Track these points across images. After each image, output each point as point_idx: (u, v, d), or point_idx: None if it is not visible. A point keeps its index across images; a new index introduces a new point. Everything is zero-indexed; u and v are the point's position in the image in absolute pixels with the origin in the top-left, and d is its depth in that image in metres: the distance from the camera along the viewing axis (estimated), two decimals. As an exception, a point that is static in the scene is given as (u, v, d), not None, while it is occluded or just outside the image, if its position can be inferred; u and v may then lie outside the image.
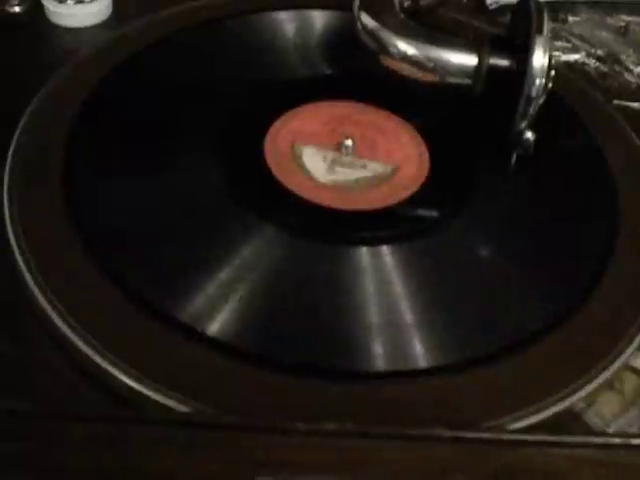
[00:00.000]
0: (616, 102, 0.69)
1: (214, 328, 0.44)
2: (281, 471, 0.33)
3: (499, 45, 0.52)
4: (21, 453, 0.32)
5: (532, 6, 0.51)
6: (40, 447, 0.32)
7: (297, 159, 0.53)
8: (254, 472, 0.32)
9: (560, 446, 0.35)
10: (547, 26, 0.50)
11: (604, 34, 0.76)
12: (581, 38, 0.75)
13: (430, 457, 0.34)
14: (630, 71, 0.72)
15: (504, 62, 0.51)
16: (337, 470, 0.33)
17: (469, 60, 0.52)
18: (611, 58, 0.73)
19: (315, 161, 0.54)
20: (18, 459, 0.32)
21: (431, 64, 0.53)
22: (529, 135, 0.52)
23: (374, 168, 0.54)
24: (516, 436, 0.35)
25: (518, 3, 0.54)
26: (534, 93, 0.50)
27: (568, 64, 0.72)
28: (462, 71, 0.52)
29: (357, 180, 0.53)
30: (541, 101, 0.52)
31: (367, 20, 0.54)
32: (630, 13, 0.77)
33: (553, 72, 0.52)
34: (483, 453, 0.34)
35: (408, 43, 0.53)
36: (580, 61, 0.72)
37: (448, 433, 0.34)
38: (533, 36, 0.50)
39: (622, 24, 0.76)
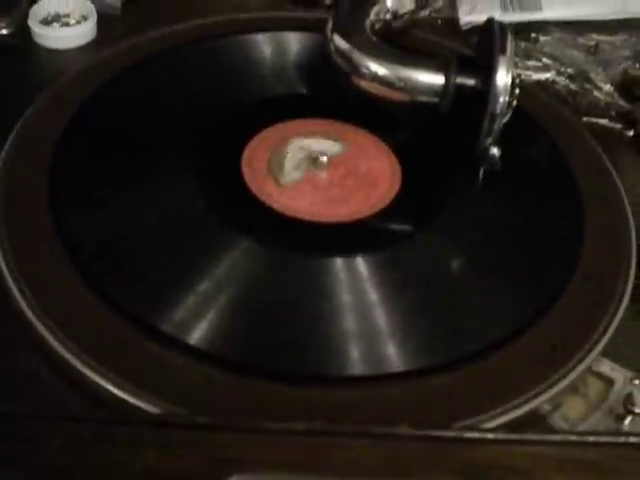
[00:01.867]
0: (585, 119, 0.71)
1: (190, 335, 0.46)
2: (253, 469, 0.34)
3: (465, 65, 0.54)
4: (6, 453, 0.34)
5: (496, 27, 0.54)
6: (25, 447, 0.34)
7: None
8: (228, 470, 0.34)
9: (522, 444, 0.37)
10: (510, 46, 0.53)
11: (575, 53, 0.78)
12: (552, 57, 0.77)
13: (395, 455, 0.36)
14: (599, 89, 0.74)
15: (470, 81, 0.54)
16: (306, 467, 0.35)
17: (437, 79, 0.54)
18: (581, 76, 0.75)
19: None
20: (3, 459, 0.33)
21: (401, 83, 0.55)
22: (494, 151, 0.54)
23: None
24: (479, 434, 0.37)
25: (484, 24, 0.56)
26: (498, 110, 0.52)
27: (539, 82, 0.74)
28: (430, 90, 0.55)
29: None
30: (505, 118, 0.55)
31: (339, 42, 0.57)
32: (600, 32, 0.79)
33: (517, 90, 0.55)
34: (447, 451, 0.36)
35: (378, 64, 0.55)
36: (551, 79, 0.75)
37: (412, 432, 0.36)
38: (496, 56, 0.52)
39: (592, 43, 0.79)
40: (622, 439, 0.38)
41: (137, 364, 0.44)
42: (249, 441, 0.35)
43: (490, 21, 0.55)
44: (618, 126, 0.71)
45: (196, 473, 0.34)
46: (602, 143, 0.66)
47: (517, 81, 0.55)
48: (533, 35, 0.78)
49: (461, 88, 0.54)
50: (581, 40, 0.79)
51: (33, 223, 0.51)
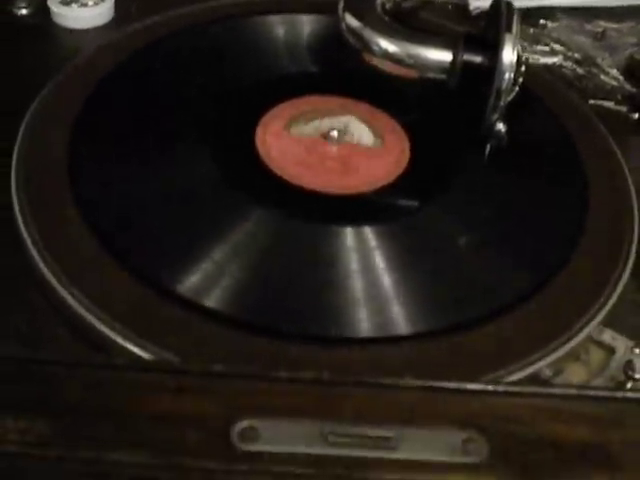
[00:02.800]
0: (592, 102, 0.73)
1: (206, 297, 0.48)
2: (264, 414, 0.36)
3: (473, 42, 0.56)
4: (30, 396, 0.36)
5: (503, 7, 0.55)
6: (45, 390, 0.36)
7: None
8: (240, 414, 0.36)
9: (523, 396, 0.39)
10: (516, 25, 0.54)
11: (582, 39, 0.80)
12: (559, 42, 0.79)
13: (397, 403, 0.38)
14: (606, 73, 0.76)
15: (477, 58, 0.55)
16: (312, 414, 0.37)
17: (445, 56, 0.56)
18: (588, 61, 0.77)
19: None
20: (28, 401, 0.35)
21: (410, 60, 0.57)
22: (501, 126, 0.56)
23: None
24: (481, 386, 0.39)
25: (491, 5, 0.58)
26: (503, 86, 0.54)
27: (547, 66, 0.76)
28: (438, 67, 0.56)
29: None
30: (512, 95, 0.56)
31: (351, 20, 0.58)
32: (608, 19, 0.81)
33: (523, 68, 0.56)
34: (448, 401, 0.38)
35: (389, 41, 0.57)
36: (558, 64, 0.76)
37: (415, 382, 0.38)
38: (503, 34, 0.53)
39: (599, 29, 0.80)
40: (620, 394, 0.40)
41: (154, 324, 0.46)
42: (260, 389, 0.37)
43: (497, 1, 0.56)
44: (624, 109, 0.72)
45: (210, 417, 0.36)
46: (608, 125, 0.67)
47: (523, 59, 0.56)
48: (541, 21, 0.80)
49: (468, 65, 0.55)
50: (588, 27, 0.81)
51: (53, 195, 0.52)
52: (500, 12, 0.55)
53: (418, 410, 0.38)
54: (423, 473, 0.36)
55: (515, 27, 0.54)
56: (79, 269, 0.48)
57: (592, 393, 0.39)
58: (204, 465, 0.35)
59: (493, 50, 0.54)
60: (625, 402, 0.40)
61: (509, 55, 0.53)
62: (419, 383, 0.38)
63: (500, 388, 0.39)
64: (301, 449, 0.36)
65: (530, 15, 0.80)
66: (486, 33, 0.58)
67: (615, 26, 0.81)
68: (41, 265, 0.48)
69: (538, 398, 0.39)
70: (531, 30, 0.79)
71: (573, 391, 0.40)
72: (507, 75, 0.53)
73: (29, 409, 0.35)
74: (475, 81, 0.56)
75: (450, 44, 0.56)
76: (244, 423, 0.36)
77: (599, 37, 0.79)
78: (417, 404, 0.38)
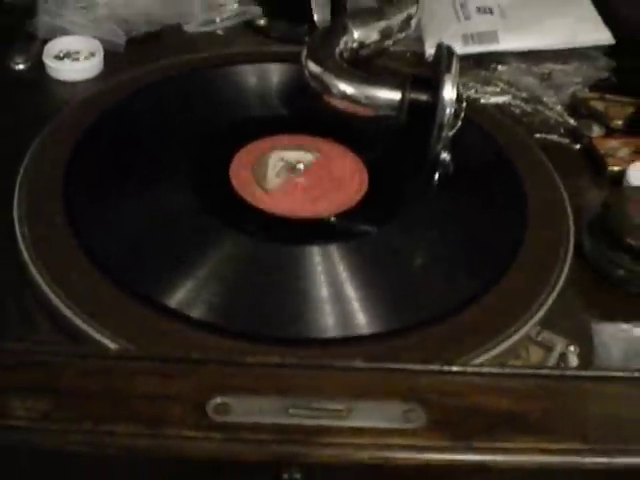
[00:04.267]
0: (537, 135, 0.80)
1: (189, 307, 0.55)
2: (235, 392, 0.43)
3: (419, 83, 0.64)
4: (36, 380, 0.43)
5: (444, 51, 0.63)
6: (44, 375, 0.43)
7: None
8: (212, 394, 0.43)
9: (455, 374, 0.46)
10: (455, 66, 0.62)
11: (530, 80, 0.88)
12: (509, 84, 0.87)
13: (348, 381, 0.45)
14: (550, 109, 0.84)
15: (422, 96, 0.63)
16: (276, 391, 0.44)
17: (394, 95, 0.64)
18: (534, 99, 0.85)
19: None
20: (33, 384, 0.42)
21: (365, 100, 0.65)
22: (445, 156, 0.64)
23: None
24: (421, 366, 0.45)
25: (435, 50, 0.66)
26: (445, 120, 0.61)
27: (497, 105, 0.83)
28: (389, 105, 0.64)
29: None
30: (456, 128, 0.64)
31: (312, 66, 0.66)
32: (554, 61, 0.89)
33: (464, 104, 0.64)
34: (392, 379, 0.45)
35: (346, 83, 0.65)
36: (507, 102, 0.84)
37: (365, 364, 0.45)
38: (443, 74, 0.61)
39: (546, 71, 0.88)
40: (540, 371, 0.47)
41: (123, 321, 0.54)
42: (231, 372, 0.44)
43: (439, 45, 0.64)
44: (566, 141, 0.80)
45: (187, 396, 0.43)
46: (552, 155, 0.75)
47: (463, 96, 0.64)
48: (492, 65, 0.88)
49: (414, 102, 0.63)
50: (535, 69, 0.89)
51: (49, 223, 0.60)
52: (442, 55, 0.63)
53: (366, 387, 0.45)
54: (369, 437, 0.43)
55: (454, 68, 0.62)
56: (64, 274, 0.56)
57: (516, 371, 0.46)
58: (185, 434, 0.42)
59: (436, 89, 0.62)
60: (544, 378, 0.47)
61: (449, 93, 0.61)
62: (367, 365, 0.45)
63: (436, 367, 0.46)
64: (266, 420, 0.43)
65: (483, 60, 0.88)
66: (432, 74, 0.66)
67: (561, 67, 0.89)
68: (32, 269, 0.56)
69: (469, 376, 0.46)
70: (482, 73, 0.87)
71: (499, 369, 0.46)
72: (448, 110, 0.61)
73: (34, 390, 0.42)
74: (422, 116, 0.63)
75: (399, 85, 0.64)
76: (218, 400, 0.43)
77: (546, 77, 0.87)
78: (365, 382, 0.45)
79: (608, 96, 0.82)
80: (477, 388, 0.45)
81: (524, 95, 0.85)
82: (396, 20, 0.73)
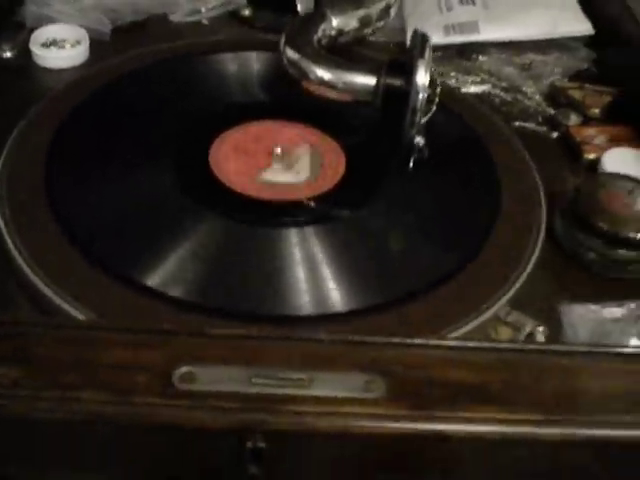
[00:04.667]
0: (516, 123, 0.82)
1: (167, 285, 0.57)
2: (200, 362, 0.45)
3: (393, 68, 0.65)
4: (7, 349, 0.44)
5: (418, 37, 0.64)
6: (23, 344, 0.44)
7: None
8: (180, 363, 0.45)
9: (416, 347, 0.47)
10: (429, 52, 0.63)
11: (510, 69, 0.89)
12: (489, 73, 0.88)
13: (310, 352, 0.46)
14: (529, 98, 0.85)
15: (396, 81, 0.64)
16: (242, 362, 0.45)
17: (370, 80, 0.65)
18: (514, 89, 0.86)
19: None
20: (5, 353, 0.44)
21: (342, 85, 0.66)
22: (419, 140, 0.65)
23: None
24: (384, 339, 0.47)
25: (411, 37, 0.67)
26: (418, 105, 0.63)
27: (477, 95, 0.85)
28: (365, 90, 0.65)
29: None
30: (430, 113, 0.65)
31: (290, 53, 0.68)
32: (535, 52, 0.90)
33: (438, 89, 0.66)
34: (354, 351, 0.47)
35: (323, 69, 0.66)
36: (487, 92, 0.86)
37: (328, 336, 0.46)
38: (416, 60, 0.63)
39: (527, 61, 0.89)
40: (499, 345, 0.48)
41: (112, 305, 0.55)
42: (196, 343, 0.46)
43: (415, 32, 0.66)
44: (544, 129, 0.81)
45: (154, 365, 0.44)
46: (530, 143, 0.76)
47: (437, 82, 0.65)
48: (473, 55, 0.89)
49: (389, 87, 0.64)
50: (516, 59, 0.90)
51: (30, 201, 0.61)
52: (416, 41, 0.64)
53: (329, 358, 0.46)
54: (330, 406, 0.44)
55: (427, 54, 0.63)
56: (44, 255, 0.58)
57: (477, 344, 0.48)
58: (151, 401, 0.43)
59: (409, 74, 0.63)
60: (505, 351, 0.48)
61: (422, 78, 0.62)
62: (330, 337, 0.46)
63: (398, 340, 0.47)
64: (230, 388, 0.44)
65: (465, 50, 0.90)
66: (408, 60, 0.67)
67: (541, 57, 0.90)
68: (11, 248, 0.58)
69: (431, 349, 0.47)
70: (464, 63, 0.88)
71: (461, 343, 0.48)
72: (421, 95, 0.62)
73: (6, 359, 0.44)
74: (397, 101, 0.65)
75: (374, 70, 0.65)
76: (183, 369, 0.45)
77: (526, 67, 0.89)
78: (328, 353, 0.46)
79: (586, 85, 0.83)
80: (439, 360, 0.47)
81: (504, 84, 0.86)
82: (375, 9, 0.74)
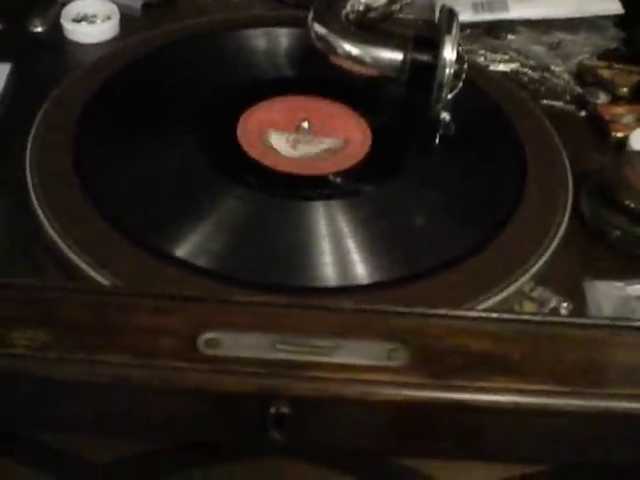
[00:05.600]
0: (544, 102, 0.82)
1: (188, 251, 0.58)
2: (225, 328, 0.46)
3: (420, 44, 0.65)
4: (36, 312, 0.45)
5: (445, 13, 0.65)
6: (49, 308, 0.45)
7: (265, 142, 0.67)
8: (203, 328, 0.45)
9: (437, 317, 0.48)
10: (456, 28, 0.63)
11: (538, 48, 0.89)
12: (518, 52, 0.88)
13: (334, 320, 0.47)
14: (557, 77, 0.85)
15: (423, 57, 0.65)
16: (264, 329, 0.46)
17: (397, 55, 0.65)
18: (542, 68, 0.86)
19: (280, 142, 0.67)
20: (33, 316, 0.45)
21: (369, 60, 0.66)
22: (445, 115, 0.65)
23: (328, 143, 0.67)
24: (404, 309, 0.47)
25: (439, 12, 0.67)
26: (445, 80, 0.63)
27: (505, 73, 0.85)
28: (392, 65, 0.66)
29: (315, 154, 0.66)
30: (457, 89, 0.66)
31: (318, 28, 0.68)
32: (564, 30, 0.90)
33: (465, 65, 0.66)
34: (377, 320, 0.47)
35: (351, 44, 0.67)
36: (515, 70, 0.86)
37: (352, 306, 0.47)
38: (443, 35, 0.63)
39: (555, 40, 0.89)
40: (520, 317, 0.49)
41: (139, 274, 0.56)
42: (221, 310, 0.46)
43: (442, 8, 0.66)
44: (572, 107, 0.81)
45: (179, 330, 0.45)
46: (558, 121, 0.76)
47: (465, 58, 0.66)
48: (502, 33, 0.89)
49: (415, 62, 0.64)
50: (545, 38, 0.90)
51: (60, 170, 0.62)
52: (443, 17, 0.64)
53: (352, 327, 0.47)
54: (353, 373, 0.45)
55: (455, 29, 0.63)
56: (70, 222, 0.58)
57: (498, 316, 0.48)
58: (175, 365, 0.44)
59: (436, 50, 0.63)
60: (525, 323, 0.49)
61: (448, 53, 0.63)
62: (354, 306, 0.47)
63: (420, 310, 0.48)
64: (254, 354, 0.45)
65: (493, 28, 0.89)
66: (434, 36, 0.67)
67: (570, 37, 0.90)
68: (41, 216, 0.59)
69: (452, 319, 0.48)
70: (492, 41, 0.88)
71: (481, 314, 0.48)
72: (447, 70, 0.63)
73: (35, 322, 0.45)
74: (423, 77, 0.65)
75: (402, 45, 0.66)
76: (209, 334, 0.45)
77: (555, 46, 0.88)
78: (352, 322, 0.47)
79: (615, 64, 0.83)
80: (459, 331, 0.47)
81: (532, 63, 0.86)
82: (404, -15, 0.74)
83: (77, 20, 0.79)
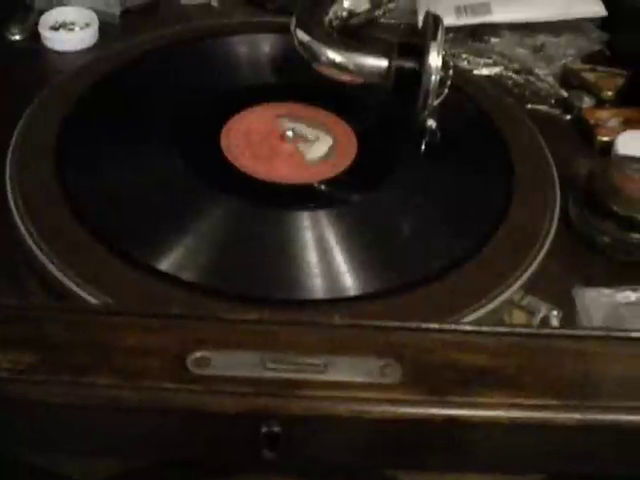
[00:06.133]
0: (529, 106, 0.81)
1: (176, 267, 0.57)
2: (214, 346, 0.45)
3: (406, 51, 0.65)
4: (20, 334, 0.44)
5: (430, 20, 0.64)
6: (35, 329, 0.44)
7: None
8: (194, 347, 0.44)
9: (431, 331, 0.47)
10: (441, 34, 0.63)
11: (522, 51, 0.88)
12: (501, 55, 0.87)
13: (326, 337, 0.46)
14: (542, 80, 0.85)
15: (408, 63, 0.64)
16: (254, 346, 0.45)
17: (382, 63, 0.65)
18: (526, 71, 0.86)
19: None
20: (18, 338, 0.44)
21: (353, 68, 0.66)
22: (431, 123, 0.64)
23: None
24: (397, 323, 0.47)
25: (423, 19, 0.67)
26: (430, 87, 0.62)
27: (489, 77, 0.84)
28: (376, 72, 0.65)
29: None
30: (442, 96, 0.65)
31: (301, 35, 0.67)
32: (547, 33, 0.89)
33: (451, 72, 0.65)
34: (369, 335, 0.46)
35: (334, 51, 0.66)
36: (499, 74, 0.85)
37: (342, 321, 0.46)
38: (428, 42, 0.62)
39: (539, 43, 0.89)
40: (514, 330, 0.48)
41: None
42: (210, 327, 0.45)
43: (427, 14, 0.65)
44: (557, 111, 0.81)
45: (167, 349, 0.44)
46: (543, 125, 0.76)
47: (451, 64, 0.65)
48: (485, 37, 0.88)
49: (400, 69, 0.64)
50: (528, 41, 0.89)
51: (42, 185, 0.61)
52: (428, 24, 0.63)
53: (343, 343, 0.46)
54: (346, 391, 0.44)
55: (440, 36, 0.62)
56: (55, 237, 0.57)
57: (491, 329, 0.47)
58: (165, 386, 0.43)
59: (422, 56, 0.63)
60: (519, 336, 0.48)
61: (434, 60, 0.62)
62: (344, 321, 0.46)
63: (413, 325, 0.47)
64: (245, 373, 0.44)
65: (476, 31, 0.89)
66: (418, 42, 0.66)
67: (553, 39, 0.89)
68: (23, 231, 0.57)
69: (445, 333, 0.47)
70: (476, 45, 0.88)
71: (474, 327, 0.47)
72: (433, 77, 0.62)
73: (19, 344, 0.43)
74: (409, 84, 0.64)
75: (386, 52, 0.65)
76: (198, 354, 0.44)
77: (538, 49, 0.88)
78: (343, 338, 0.46)
79: (599, 67, 0.83)
80: (452, 345, 0.46)
81: (516, 66, 0.86)
82: (386, -10, 0.73)
83: (55, 28, 0.78)
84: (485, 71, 0.84)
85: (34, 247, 0.56)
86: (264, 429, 0.44)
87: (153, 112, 0.68)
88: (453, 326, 0.48)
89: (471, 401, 0.44)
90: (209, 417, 0.43)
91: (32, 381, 0.42)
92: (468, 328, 0.48)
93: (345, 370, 0.45)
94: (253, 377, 0.44)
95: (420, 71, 0.62)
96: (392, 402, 0.44)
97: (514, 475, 0.53)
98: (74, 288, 0.54)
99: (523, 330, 0.49)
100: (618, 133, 0.74)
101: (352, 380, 0.44)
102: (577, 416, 0.45)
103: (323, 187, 0.64)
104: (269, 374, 0.44)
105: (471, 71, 0.84)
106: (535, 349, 0.47)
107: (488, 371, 0.46)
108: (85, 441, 0.46)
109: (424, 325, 0.47)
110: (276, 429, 0.44)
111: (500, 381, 0.46)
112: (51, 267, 0.55)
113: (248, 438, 0.44)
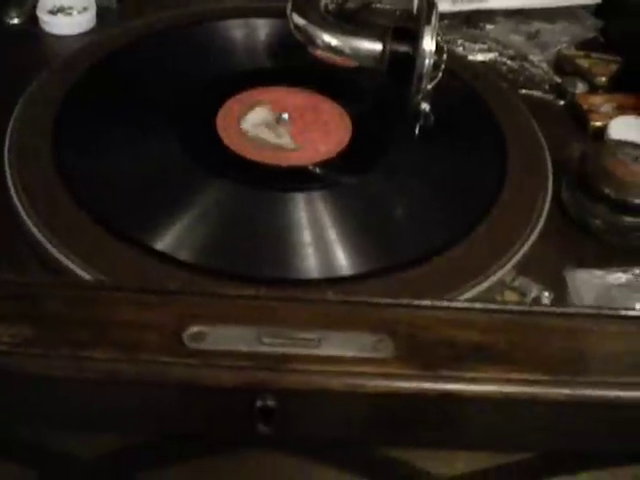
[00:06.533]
0: (523, 91, 0.82)
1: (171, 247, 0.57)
2: (210, 321, 0.45)
3: (400, 34, 0.65)
4: (19, 309, 0.45)
5: (425, 4, 0.65)
6: (33, 303, 0.45)
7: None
8: (190, 322, 0.45)
9: (424, 308, 0.48)
10: (435, 18, 0.63)
11: (517, 38, 0.89)
12: (496, 41, 0.88)
13: (320, 312, 0.46)
14: (536, 67, 0.85)
15: (402, 47, 0.64)
16: (250, 321, 0.46)
17: (376, 46, 0.65)
18: (521, 57, 0.86)
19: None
20: (17, 313, 0.44)
21: (348, 51, 0.66)
22: (425, 106, 0.65)
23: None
24: (391, 300, 0.47)
25: (418, 2, 0.67)
26: (424, 71, 0.63)
27: (483, 62, 0.85)
28: (371, 56, 0.66)
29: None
30: (436, 80, 0.66)
31: (297, 19, 0.68)
32: (542, 20, 0.90)
33: (445, 56, 0.66)
34: (362, 311, 0.47)
35: (329, 35, 0.66)
36: (493, 60, 0.86)
37: (336, 297, 0.47)
38: (423, 26, 0.63)
39: (534, 30, 0.89)
40: (506, 307, 0.49)
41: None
42: (206, 303, 0.46)
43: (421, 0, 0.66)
44: (550, 97, 0.81)
45: (164, 324, 0.45)
46: (536, 111, 0.76)
47: (444, 49, 0.66)
48: (481, 23, 0.89)
49: (395, 53, 0.64)
50: (523, 27, 0.90)
51: (39, 165, 0.61)
52: (422, 8, 0.64)
53: (337, 318, 0.46)
54: (339, 365, 0.45)
55: (434, 20, 0.63)
56: (52, 214, 0.58)
57: (483, 306, 0.48)
58: (161, 359, 0.44)
59: (416, 40, 0.63)
60: (511, 313, 0.49)
61: (428, 44, 0.62)
62: (338, 297, 0.47)
63: (405, 301, 0.47)
64: (240, 347, 0.45)
65: (472, 17, 0.89)
66: (413, 26, 0.67)
67: (549, 26, 0.90)
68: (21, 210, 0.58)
69: (438, 310, 0.48)
70: (471, 31, 0.88)
71: (467, 304, 0.48)
72: (427, 61, 0.62)
73: (19, 318, 0.44)
74: (403, 68, 0.65)
75: (381, 36, 0.65)
76: (194, 328, 0.45)
77: (533, 36, 0.88)
78: (337, 314, 0.47)
79: (593, 54, 0.83)
80: (445, 321, 0.47)
81: (511, 53, 0.86)
82: (382, -25, 0.74)
83: (53, 12, 0.79)
84: (480, 57, 0.85)
85: (33, 228, 0.57)
86: (259, 403, 0.44)
87: (150, 95, 0.69)
88: (446, 303, 0.48)
89: (464, 376, 0.45)
90: (205, 390, 0.44)
91: (31, 354, 0.43)
92: (460, 305, 0.48)
93: (339, 345, 0.45)
94: (249, 351, 0.44)
95: (414, 55, 0.62)
96: (386, 376, 0.44)
97: (507, 453, 0.53)
98: (71, 266, 0.54)
99: (515, 307, 0.50)
100: (611, 118, 0.74)
101: (346, 355, 0.45)
102: (567, 391, 0.46)
103: (318, 169, 0.64)
104: (264, 349, 0.44)
105: (466, 57, 0.84)
106: (527, 326, 0.48)
107: (481, 347, 0.47)
108: (81, 416, 0.47)
109: (416, 302, 0.47)
110: (271, 403, 0.44)
111: (493, 357, 0.46)
112: (49, 247, 0.56)
113: (243, 412, 0.44)
